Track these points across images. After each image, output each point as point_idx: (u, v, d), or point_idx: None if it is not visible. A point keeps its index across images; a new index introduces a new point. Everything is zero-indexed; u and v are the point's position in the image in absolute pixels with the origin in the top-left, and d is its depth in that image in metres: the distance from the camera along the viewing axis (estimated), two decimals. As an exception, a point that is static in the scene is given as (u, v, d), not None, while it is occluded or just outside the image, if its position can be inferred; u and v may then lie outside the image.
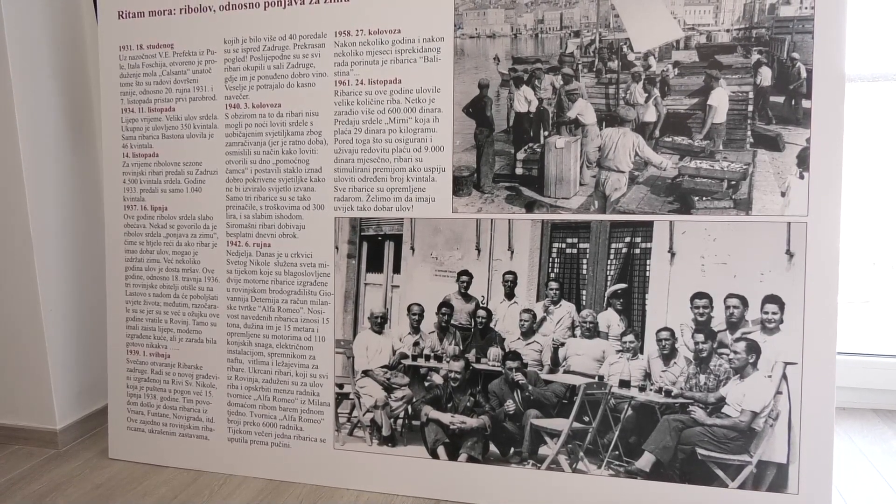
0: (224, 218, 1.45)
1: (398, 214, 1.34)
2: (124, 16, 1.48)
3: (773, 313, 1.19)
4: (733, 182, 1.20)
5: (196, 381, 1.49)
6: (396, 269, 1.36)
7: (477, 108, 1.29)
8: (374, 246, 1.37)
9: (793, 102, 1.18)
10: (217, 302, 1.46)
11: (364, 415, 1.38)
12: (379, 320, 1.37)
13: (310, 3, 1.37)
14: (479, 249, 1.30)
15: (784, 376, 1.19)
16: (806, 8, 1.17)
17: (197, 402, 1.49)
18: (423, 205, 1.33)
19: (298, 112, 1.39)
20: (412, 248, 1.34)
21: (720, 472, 1.22)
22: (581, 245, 1.27)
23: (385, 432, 1.37)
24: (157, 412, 1.52)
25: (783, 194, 1.19)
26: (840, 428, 1.63)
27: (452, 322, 1.33)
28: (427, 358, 1.35)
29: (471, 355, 1.33)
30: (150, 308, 1.51)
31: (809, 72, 1.17)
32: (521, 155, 1.29)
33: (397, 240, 1.35)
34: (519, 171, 1.29)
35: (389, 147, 1.34)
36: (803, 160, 1.18)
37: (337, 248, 1.38)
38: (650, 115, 1.23)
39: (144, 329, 1.52)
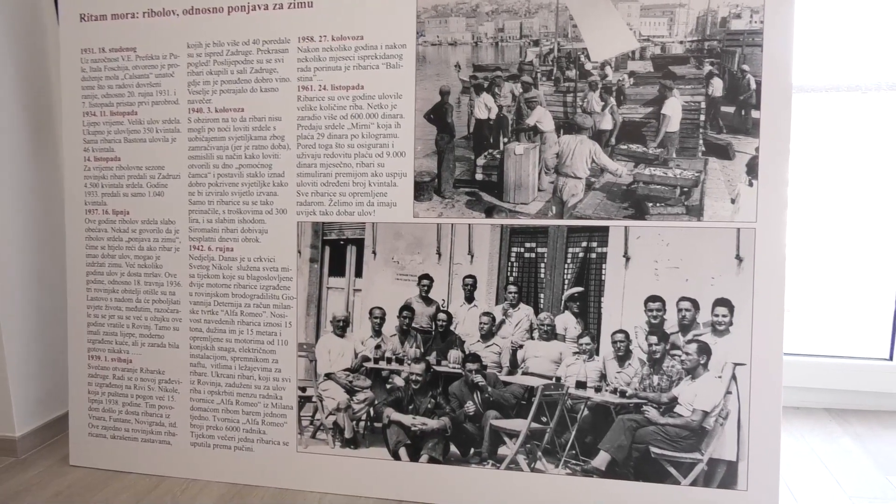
0: (187, 222, 1.44)
1: (360, 219, 1.35)
2: (86, 18, 1.47)
3: (724, 316, 1.23)
4: (686, 189, 1.24)
5: (158, 385, 1.48)
6: (358, 274, 1.37)
7: (438, 115, 1.31)
8: (337, 250, 1.37)
9: (743, 113, 1.22)
10: (180, 306, 1.46)
11: (327, 417, 1.39)
12: (341, 324, 1.38)
13: (273, 8, 1.38)
14: (439, 254, 1.32)
15: (733, 377, 1.23)
16: (755, 22, 1.20)
17: (159, 408, 1.48)
18: (384, 209, 1.34)
19: (262, 117, 1.39)
20: (374, 253, 1.35)
21: (673, 470, 1.25)
22: (539, 249, 1.29)
23: (347, 434, 1.38)
24: (119, 418, 1.51)
25: (733, 201, 1.22)
26: (793, 427, 1.68)
27: (413, 325, 1.35)
28: (389, 361, 1.36)
29: (431, 358, 1.34)
30: (111, 313, 1.49)
31: (759, 83, 1.21)
32: (481, 161, 1.31)
33: (359, 244, 1.36)
34: (479, 176, 1.31)
35: (352, 152, 1.35)
36: (752, 168, 1.21)
37: (299, 252, 1.38)
38: (606, 123, 1.26)
39: (106, 334, 1.50)
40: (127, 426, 1.50)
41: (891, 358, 1.76)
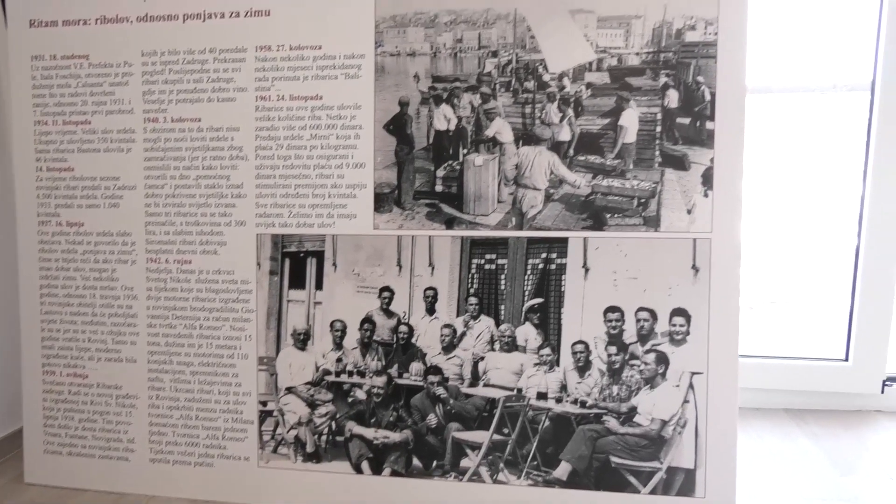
0: (143, 234, 1.41)
1: (320, 231, 1.34)
2: (36, 24, 1.43)
3: (681, 325, 1.24)
4: (643, 200, 1.25)
5: (116, 401, 1.45)
6: (319, 286, 1.35)
7: (398, 126, 1.30)
8: (297, 262, 1.36)
9: (698, 124, 1.23)
10: (137, 320, 1.43)
11: (288, 432, 1.37)
12: (302, 337, 1.36)
13: (230, 16, 1.35)
14: (400, 266, 1.31)
15: (691, 385, 1.24)
16: (709, 34, 1.22)
17: (117, 423, 1.45)
18: (344, 221, 1.33)
19: (219, 127, 1.36)
20: (334, 265, 1.34)
21: (633, 479, 1.26)
22: (499, 261, 1.29)
23: (309, 449, 1.36)
24: (76, 434, 1.47)
25: (689, 212, 1.23)
26: (752, 428, 1.71)
27: (375, 338, 1.34)
28: (350, 374, 1.35)
29: (393, 370, 1.33)
30: (66, 327, 1.46)
31: (713, 95, 1.22)
32: (440, 172, 1.31)
33: (319, 256, 1.34)
34: (439, 188, 1.31)
35: (311, 163, 1.33)
36: (707, 179, 1.23)
37: (259, 264, 1.36)
38: (565, 135, 1.27)
39: (61, 349, 1.47)
40: (84, 442, 1.47)
41: (846, 359, 1.80)
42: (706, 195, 1.23)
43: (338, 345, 1.35)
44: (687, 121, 1.23)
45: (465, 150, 1.30)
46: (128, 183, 1.41)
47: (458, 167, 1.30)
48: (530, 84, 1.27)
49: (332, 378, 1.36)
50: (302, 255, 1.35)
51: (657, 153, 1.25)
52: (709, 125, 1.22)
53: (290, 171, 1.34)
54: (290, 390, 1.37)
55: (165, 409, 1.43)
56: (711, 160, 1.22)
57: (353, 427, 1.34)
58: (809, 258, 1.91)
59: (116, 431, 1.45)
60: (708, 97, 1.22)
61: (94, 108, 1.41)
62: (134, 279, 1.42)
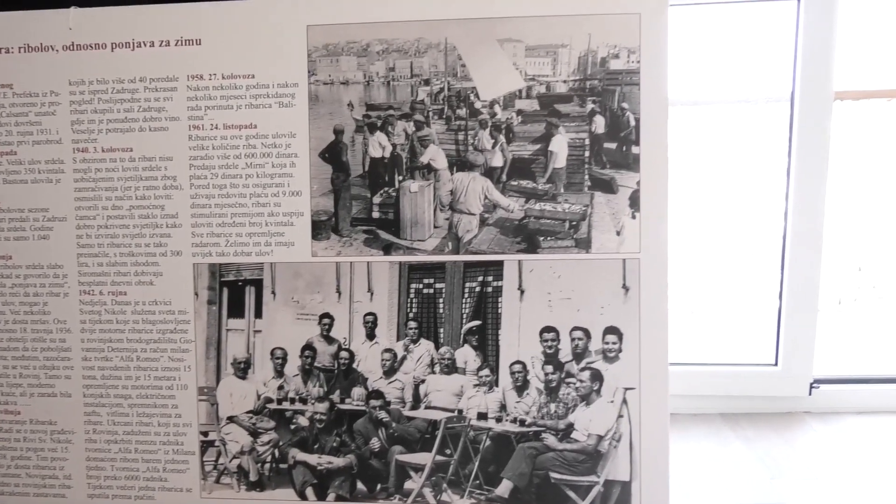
0: (75, 266, 1.38)
1: (258, 259, 1.33)
2: (-44, 53, 1.38)
3: (613, 343, 1.28)
4: (574, 222, 1.28)
5: (50, 437, 1.41)
6: (258, 314, 1.35)
7: (333, 154, 1.31)
8: (235, 291, 1.35)
9: (624, 148, 1.27)
10: (71, 354, 1.39)
11: (230, 461, 1.36)
12: (242, 366, 1.35)
13: (160, 45, 1.34)
14: (339, 292, 1.32)
15: (624, 400, 1.28)
16: (633, 62, 1.26)
17: (52, 460, 1.41)
18: (282, 249, 1.32)
19: (152, 156, 1.35)
20: (273, 293, 1.33)
21: (572, 494, 1.29)
22: (437, 285, 1.31)
23: (252, 477, 1.35)
24: (8, 472, 1.43)
25: (618, 233, 1.27)
26: (689, 434, 1.77)
27: (316, 364, 1.34)
28: (292, 401, 1.34)
29: (335, 396, 1.34)
30: (-4, 363, 1.41)
31: (637, 120, 1.26)
32: (377, 199, 1.32)
33: (258, 284, 1.34)
34: (376, 214, 1.32)
35: (247, 192, 1.33)
36: (635, 201, 1.27)
37: (196, 294, 1.35)
38: (497, 161, 1.29)
39: (-10, 385, 1.42)
40: (17, 481, 1.43)
41: (776, 363, 1.88)
42: (634, 217, 1.27)
43: (279, 372, 1.35)
44: (613, 145, 1.27)
45: (401, 177, 1.32)
46: (58, 214, 1.38)
47: (394, 193, 1.32)
48: (463, 111, 1.29)
49: (273, 406, 1.35)
50: (240, 283, 1.34)
51: (586, 177, 1.28)
52: (634, 149, 1.26)
53: (225, 200, 1.33)
54: (231, 419, 1.36)
55: (103, 443, 1.40)
56: (638, 183, 1.26)
57: (297, 454, 1.34)
58: (738, 268, 2.00)
59: (52, 468, 1.42)
60: (633, 123, 1.26)
61: (19, 139, 1.38)
62: (67, 312, 1.39)
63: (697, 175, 1.94)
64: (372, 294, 1.31)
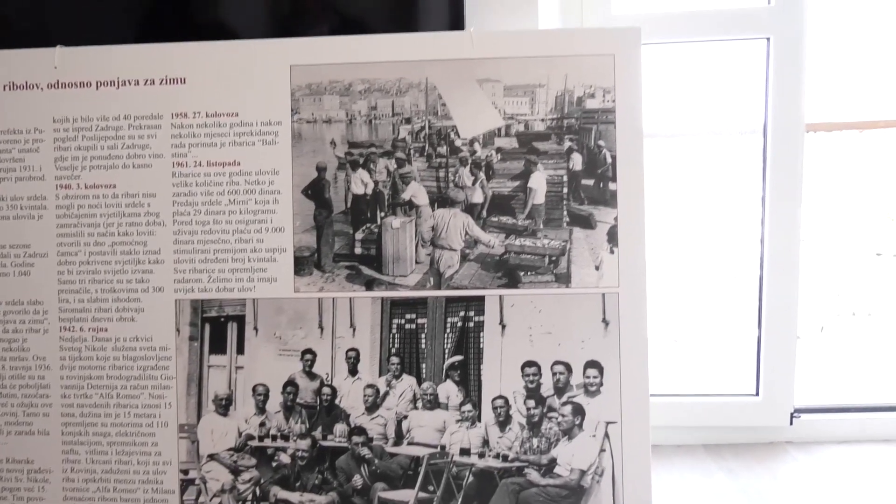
0: (56, 302, 1.37)
1: (240, 295, 1.33)
2: (-60, 90, 1.39)
3: (594, 377, 1.29)
4: (554, 258, 1.30)
5: (27, 476, 1.39)
6: (240, 350, 1.34)
7: (316, 190, 1.32)
8: (217, 327, 1.35)
9: (601, 185, 1.30)
10: (49, 391, 1.38)
11: (211, 500, 1.34)
12: (224, 402, 1.35)
13: (144, 84, 1.35)
14: (322, 328, 1.32)
15: (606, 434, 1.29)
16: (608, 101, 1.29)
17: (28, 500, 1.39)
18: (265, 285, 1.33)
19: (135, 193, 1.35)
20: (255, 329, 1.33)
21: (555, 530, 1.28)
22: (419, 320, 1.32)
23: (233, 516, 1.33)
24: (-17, 514, 1.40)
25: (597, 268, 1.30)
26: (673, 465, 1.77)
27: (298, 401, 1.33)
28: (274, 438, 1.34)
29: (317, 433, 1.33)
30: (-28, 401, 1.39)
31: (614, 158, 1.29)
32: (359, 235, 1.33)
33: (240, 320, 1.34)
34: (358, 250, 1.33)
35: (230, 228, 1.33)
36: (613, 237, 1.29)
37: (178, 330, 1.34)
38: (477, 197, 1.31)
39: (-34, 424, 1.40)
40: (-8, 523, 1.40)
41: (757, 393, 1.90)
42: (612, 252, 1.29)
43: (261, 409, 1.34)
44: (591, 182, 1.30)
45: (383, 213, 1.33)
46: (39, 250, 1.37)
47: (376, 230, 1.33)
48: (443, 149, 1.31)
49: (255, 443, 1.34)
50: (222, 319, 1.34)
51: (565, 213, 1.31)
52: (611, 186, 1.29)
53: (208, 237, 1.34)
54: (212, 457, 1.34)
55: (81, 482, 1.37)
56: (615, 219, 1.29)
57: (278, 492, 1.32)
58: (718, 297, 2.02)
59: (28, 509, 1.39)
60: (609, 160, 1.29)
61: (2, 175, 1.38)
62: (46, 349, 1.38)
63: (675, 206, 1.97)
64: (354, 330, 1.32)
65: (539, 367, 1.29)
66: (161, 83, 1.35)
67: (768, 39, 1.83)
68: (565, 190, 1.31)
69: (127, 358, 1.36)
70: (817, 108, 2.04)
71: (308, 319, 1.32)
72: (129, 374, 1.36)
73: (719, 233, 2.03)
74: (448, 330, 1.31)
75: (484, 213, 1.31)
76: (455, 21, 1.56)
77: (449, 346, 1.32)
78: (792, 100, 1.84)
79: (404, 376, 1.32)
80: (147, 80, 1.35)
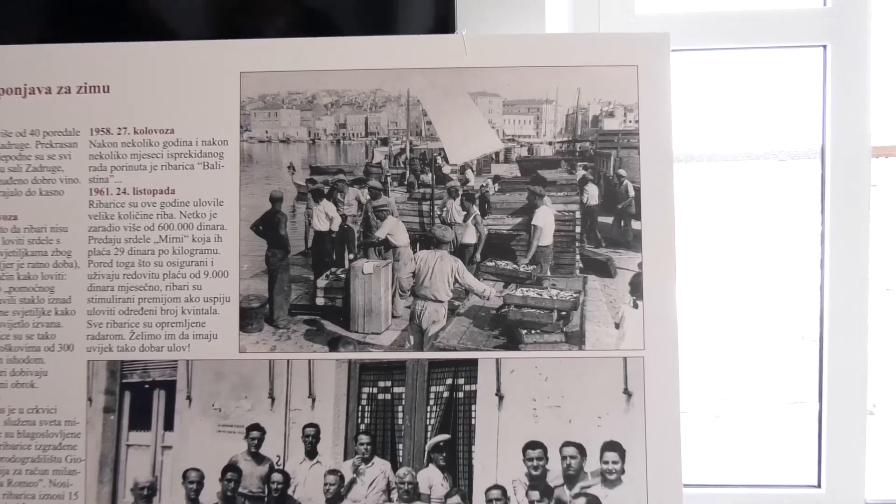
0: (-65, 363, 1.38)
1: (171, 356, 1.35)
2: None
3: (614, 462, 1.30)
4: (564, 312, 1.33)
5: None
6: (168, 426, 1.35)
7: (268, 226, 1.35)
8: (140, 396, 1.36)
9: (622, 223, 1.34)
10: (-79, 477, 1.37)
11: None
12: (146, 492, 1.34)
13: (58, 92, 1.38)
14: (272, 397, 1.33)
15: (629, 536, 1.30)
16: (630, 122, 1.34)
17: None
18: (202, 343, 1.34)
19: (41, 227, 1.37)
20: (188, 399, 1.34)
21: None
22: (395, 389, 1.33)
23: None
24: None
25: (617, 326, 1.32)
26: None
27: (241, 490, 1.33)
28: (208, 539, 1.33)
29: (264, 533, 1.33)
30: None
31: (637, 190, 1.33)
32: (322, 282, 1.36)
33: (169, 388, 1.35)
34: (320, 301, 1.36)
35: (160, 272, 1.35)
36: (636, 287, 1.32)
37: (90, 399, 1.35)
38: (470, 237, 1.35)
39: None
40: None
41: (819, 485, 1.91)
42: (636, 305, 1.32)
43: (193, 500, 1.34)
44: (610, 220, 1.34)
45: (352, 255, 1.36)
46: (-84, 297, 1.38)
47: (343, 276, 1.36)
48: (427, 177, 1.35)
49: (184, 546, 1.33)
50: (147, 386, 1.35)
51: (578, 257, 1.34)
52: (634, 225, 1.33)
53: (132, 282, 1.35)
54: (128, 564, 1.33)
55: None
56: (639, 265, 1.32)
57: None
58: (768, 361, 2.05)
59: None
60: (632, 192, 1.34)
61: None
62: (-80, 423, 1.37)
63: (711, 246, 2.00)
64: (314, 400, 1.33)
65: (545, 450, 1.31)
66: (79, 91, 1.38)
67: (825, 47, 1.90)
68: (578, 229, 1.34)
69: (23, 434, 1.36)
70: (886, 128, 2.10)
71: (256, 387, 1.33)
72: (26, 455, 1.36)
73: (768, 279, 2.06)
74: (431, 401, 1.33)
75: (478, 257, 1.35)
76: (444, 22, 1.61)
77: (432, 421, 1.33)
78: (855, 119, 1.90)
79: (376, 460, 1.33)
80: (62, 88, 1.38)
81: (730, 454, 2.07)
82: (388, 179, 1.36)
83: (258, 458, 1.34)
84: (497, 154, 1.35)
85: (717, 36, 1.93)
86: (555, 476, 1.31)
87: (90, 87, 1.37)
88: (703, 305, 2.00)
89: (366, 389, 1.33)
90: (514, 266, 1.34)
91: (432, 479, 1.32)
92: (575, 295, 1.33)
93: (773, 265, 2.04)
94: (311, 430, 1.33)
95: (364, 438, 1.33)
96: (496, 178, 1.35)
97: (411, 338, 1.33)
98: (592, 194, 1.34)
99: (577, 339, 1.32)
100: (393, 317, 1.34)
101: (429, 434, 1.33)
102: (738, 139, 2.06)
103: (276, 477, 1.34)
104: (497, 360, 1.32)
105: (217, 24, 1.68)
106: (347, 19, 1.66)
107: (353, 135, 1.36)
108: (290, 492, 1.34)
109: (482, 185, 1.35)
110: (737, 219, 2.05)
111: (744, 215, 2.06)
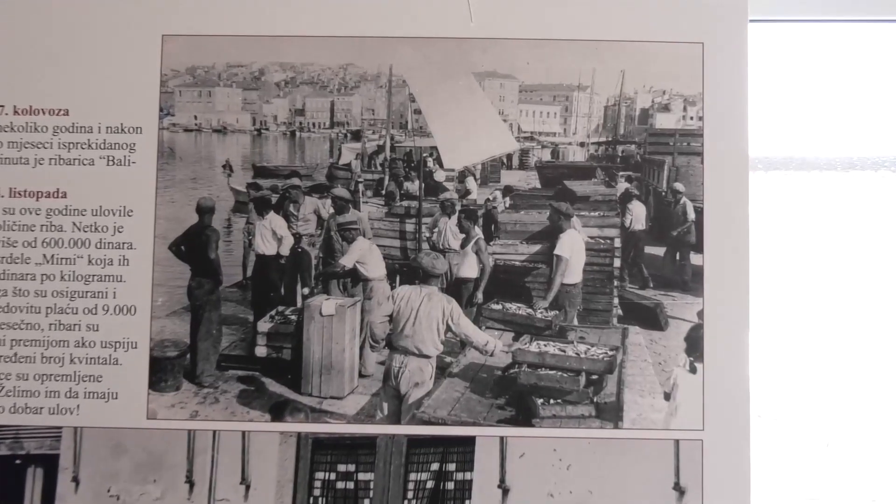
0: None
1: (53, 421, 1.27)
2: None
3: (659, 585, 1.22)
4: (595, 376, 1.26)
5: None
6: (46, 518, 1.27)
7: (193, 246, 1.28)
8: (9, 475, 1.27)
9: (678, 257, 1.27)
10: None
11: None
12: None
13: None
14: (191, 482, 1.25)
15: None
16: (691, 118, 1.26)
17: None
18: (97, 405, 1.26)
19: None
20: (75, 480, 1.26)
21: None
22: (361, 476, 1.25)
23: None
24: None
25: (667, 396, 1.25)
26: None
27: None
28: None
29: None
30: None
31: (700, 212, 1.25)
32: (264, 325, 1.30)
33: (49, 464, 1.27)
34: (261, 351, 1.30)
35: (41, 304, 1.27)
36: (695, 344, 1.24)
37: (-60, 479, 1.26)
38: (469, 269, 1.29)
39: None
40: None
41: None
42: (693, 369, 1.24)
43: None
44: (661, 251, 1.29)
45: (307, 290, 1.31)
46: None
47: (293, 317, 1.30)
48: (414, 185, 1.30)
49: None
50: (18, 462, 1.28)
51: (616, 301, 1.28)
52: (694, 259, 1.26)
53: (3, 318, 1.28)
54: None
55: None
56: (699, 314, 1.24)
57: None
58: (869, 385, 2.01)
59: None
60: (692, 215, 1.27)
61: None
62: None
63: (807, 265, 1.96)
64: (248, 488, 1.25)
65: (564, 566, 1.23)
66: (-59, 55, 1.30)
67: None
68: (617, 263, 1.28)
69: None
70: None
71: (169, 467, 1.25)
72: None
73: (868, 303, 2.02)
74: (410, 494, 1.24)
75: (479, 297, 1.28)
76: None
77: (410, 522, 1.25)
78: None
79: (331, 574, 1.24)
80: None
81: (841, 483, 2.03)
82: (360, 187, 1.30)
83: (169, 565, 1.25)
84: (509, 157, 1.30)
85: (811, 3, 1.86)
86: None
87: (-44, 49, 1.30)
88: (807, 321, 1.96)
89: (320, 475, 1.25)
90: (529, 311, 1.28)
91: None
92: (611, 353, 1.25)
93: (878, 284, 2.00)
94: (243, 530, 1.25)
95: (316, 543, 1.25)
96: (507, 190, 1.30)
97: (385, 405, 1.27)
98: (638, 216, 1.28)
99: (611, 414, 1.25)
100: (361, 376, 1.29)
101: (405, 539, 1.25)
102: (836, 140, 2.00)
103: (193, 593, 1.24)
104: (502, 438, 1.23)
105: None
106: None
107: (314, 125, 1.30)
108: None
109: (488, 199, 1.30)
110: (836, 236, 2.00)
111: (846, 233, 2.02)
